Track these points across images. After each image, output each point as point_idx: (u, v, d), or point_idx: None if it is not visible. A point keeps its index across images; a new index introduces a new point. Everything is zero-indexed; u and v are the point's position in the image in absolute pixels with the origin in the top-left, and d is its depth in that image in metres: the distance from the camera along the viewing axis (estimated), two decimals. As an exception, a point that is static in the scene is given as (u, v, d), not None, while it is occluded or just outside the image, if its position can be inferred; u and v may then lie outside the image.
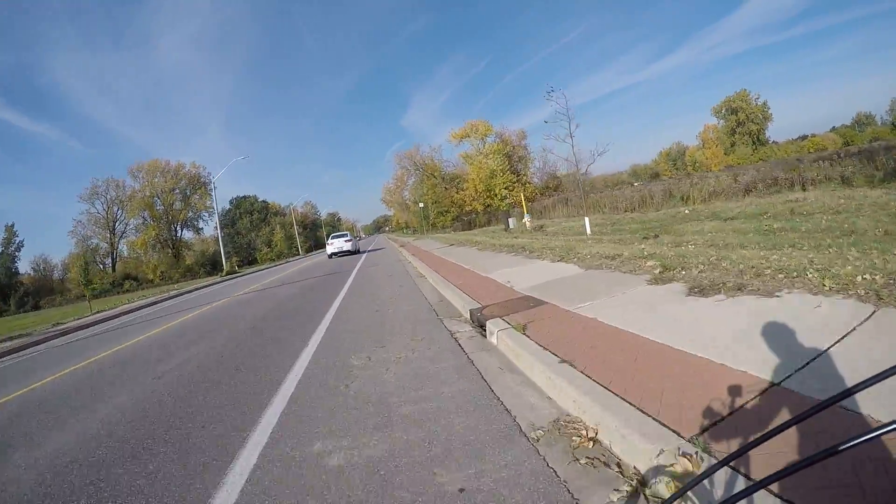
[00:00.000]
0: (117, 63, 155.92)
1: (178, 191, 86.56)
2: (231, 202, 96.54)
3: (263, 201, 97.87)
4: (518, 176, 44.98)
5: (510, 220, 23.36)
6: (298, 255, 69.58)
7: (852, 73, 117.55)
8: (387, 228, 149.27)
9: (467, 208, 41.92)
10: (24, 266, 66.59)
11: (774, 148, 75.47)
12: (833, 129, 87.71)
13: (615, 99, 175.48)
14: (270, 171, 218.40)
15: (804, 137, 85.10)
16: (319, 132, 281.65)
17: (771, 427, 0.65)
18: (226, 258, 33.05)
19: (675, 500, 0.81)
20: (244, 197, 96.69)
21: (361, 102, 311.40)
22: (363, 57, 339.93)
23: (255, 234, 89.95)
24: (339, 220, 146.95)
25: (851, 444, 0.55)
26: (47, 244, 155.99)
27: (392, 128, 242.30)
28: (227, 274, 32.34)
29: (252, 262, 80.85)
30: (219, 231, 34.89)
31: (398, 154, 51.34)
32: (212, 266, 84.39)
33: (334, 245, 26.57)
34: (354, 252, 26.59)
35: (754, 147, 75.08)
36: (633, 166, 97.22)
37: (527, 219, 21.53)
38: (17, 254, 62.56)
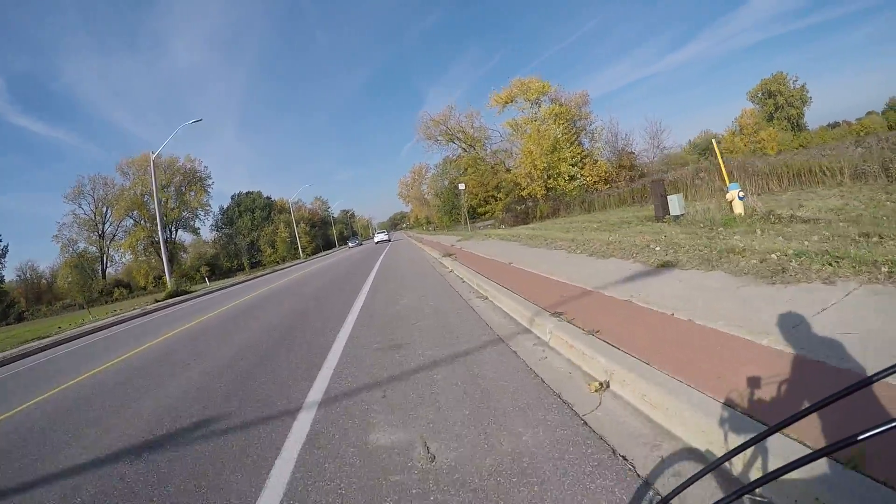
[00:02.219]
0: (125, 60, 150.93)
1: (172, 187, 76.43)
2: (232, 198, 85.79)
3: (268, 198, 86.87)
4: (585, 150, 32.55)
5: (673, 198, 11.05)
6: (299, 258, 57.54)
7: (877, 59, 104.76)
8: (403, 225, 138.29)
9: (521, 193, 29.60)
10: (9, 273, 61.74)
11: (814, 133, 69.31)
12: (869, 113, 78.79)
13: (630, 92, 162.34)
14: (283, 169, 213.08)
15: (835, 125, 78.85)
16: (333, 129, 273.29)
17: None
18: (170, 273, 21.36)
19: (716, 466, 0.70)
20: (247, 193, 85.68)
21: (375, 99, 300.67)
22: (376, 53, 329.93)
23: (256, 233, 78.75)
24: (352, 216, 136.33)
25: None
26: (36, 250, 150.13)
27: (407, 124, 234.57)
28: (170, 296, 20.85)
29: (241, 267, 69.64)
30: (160, 230, 23.12)
31: (425, 120, 38.19)
32: (210, 270, 74.47)
33: (377, 237, 47.93)
34: (388, 241, 43.72)
35: (794, 133, 68.21)
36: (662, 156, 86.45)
37: (734, 191, 9.25)
38: (1, 260, 53.94)
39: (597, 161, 31.65)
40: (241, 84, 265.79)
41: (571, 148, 30.66)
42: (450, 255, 12.43)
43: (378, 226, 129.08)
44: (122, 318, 17.16)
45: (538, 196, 28.96)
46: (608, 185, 29.81)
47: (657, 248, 6.07)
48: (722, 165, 10.45)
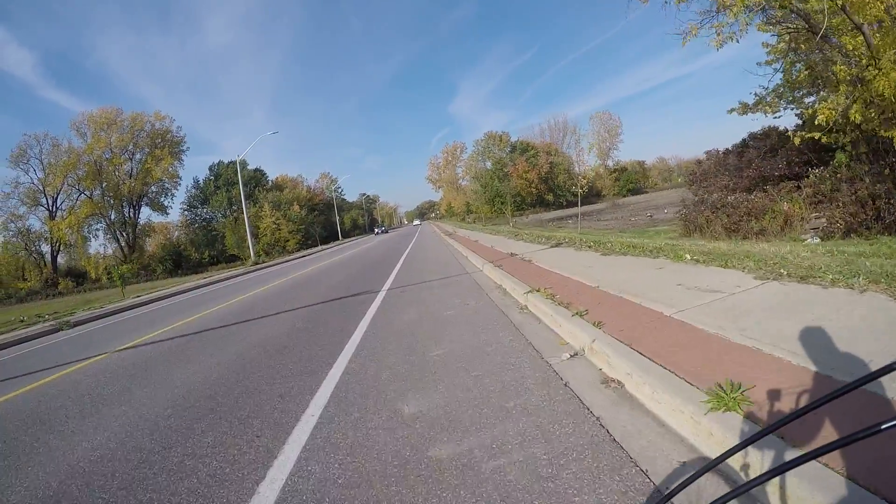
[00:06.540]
0: (159, 42, 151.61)
1: (137, 153, 56.86)
2: (210, 169, 65.18)
3: (256, 170, 66.25)
4: None
5: None
6: (265, 261, 35.67)
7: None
8: (433, 215, 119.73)
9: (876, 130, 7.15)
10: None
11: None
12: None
13: (664, 91, 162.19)
14: (312, 154, 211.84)
15: None
16: (363, 116, 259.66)
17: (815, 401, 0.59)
18: None
19: (717, 464, 0.72)
20: (228, 163, 64.66)
21: (407, 87, 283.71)
22: (409, 42, 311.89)
23: (235, 216, 58.29)
24: (371, 201, 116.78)
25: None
26: None
27: (438, 114, 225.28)
28: None
29: (184, 265, 48.70)
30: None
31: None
32: (174, 263, 55.11)
33: (415, 222, 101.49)
34: (419, 225, 77.73)
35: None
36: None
37: None
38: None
39: None
40: (273, 70, 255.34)
41: None
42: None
43: (406, 215, 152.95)
44: None
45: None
46: None
47: None
48: None
